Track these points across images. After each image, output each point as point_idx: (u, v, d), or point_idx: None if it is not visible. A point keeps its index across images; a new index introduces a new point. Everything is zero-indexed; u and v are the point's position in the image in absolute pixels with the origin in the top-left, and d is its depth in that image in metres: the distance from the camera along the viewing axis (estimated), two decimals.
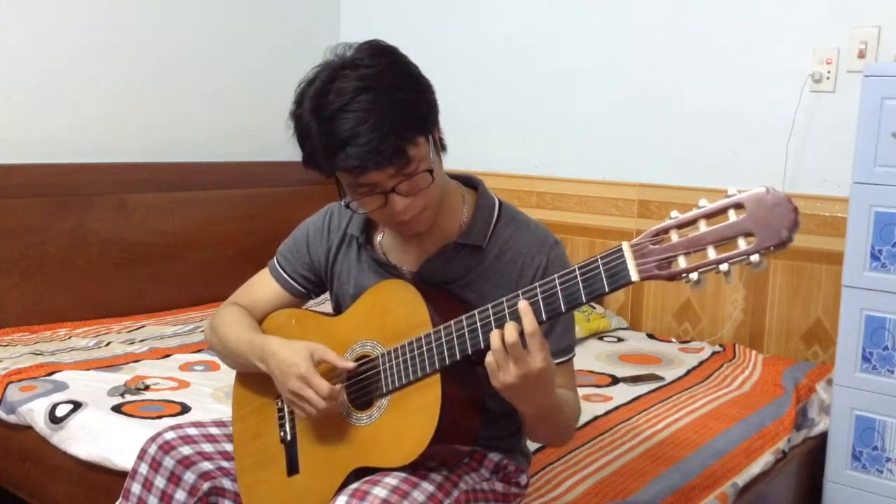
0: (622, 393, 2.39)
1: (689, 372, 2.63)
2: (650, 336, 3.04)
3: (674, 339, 3.00)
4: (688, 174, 2.99)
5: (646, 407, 2.29)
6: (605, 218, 3.20)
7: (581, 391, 2.37)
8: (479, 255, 1.44)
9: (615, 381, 2.50)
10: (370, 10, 3.76)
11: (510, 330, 1.19)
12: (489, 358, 1.22)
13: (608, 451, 1.99)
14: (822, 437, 2.38)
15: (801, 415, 2.39)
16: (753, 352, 2.81)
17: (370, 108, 1.25)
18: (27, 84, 2.87)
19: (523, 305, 1.19)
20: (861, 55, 2.62)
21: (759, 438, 2.16)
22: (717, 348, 2.88)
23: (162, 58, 3.22)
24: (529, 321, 1.18)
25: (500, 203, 1.49)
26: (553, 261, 1.42)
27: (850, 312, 2.25)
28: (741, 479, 1.98)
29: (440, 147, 1.39)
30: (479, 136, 3.36)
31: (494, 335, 1.21)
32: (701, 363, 2.72)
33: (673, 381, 2.53)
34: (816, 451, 2.37)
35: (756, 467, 2.06)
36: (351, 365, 1.39)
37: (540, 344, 1.19)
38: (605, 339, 2.97)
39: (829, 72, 2.69)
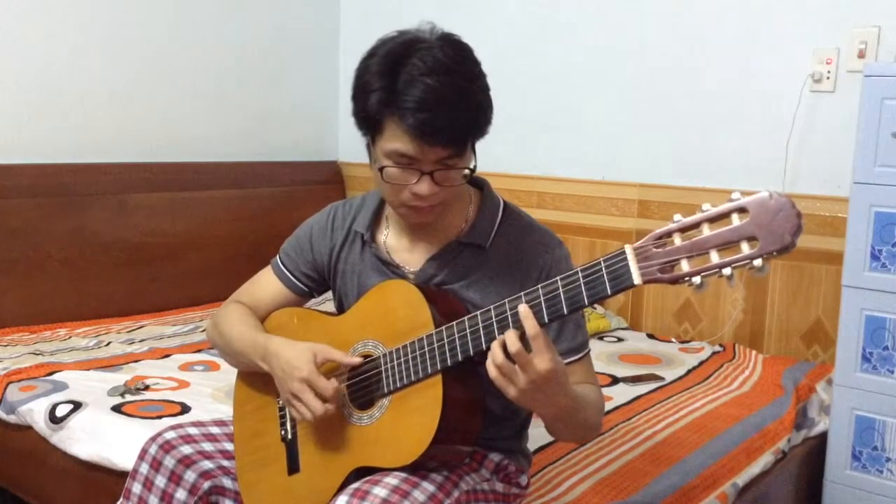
0: (622, 393, 2.39)
1: (689, 372, 2.63)
2: (650, 336, 3.04)
3: (674, 339, 3.00)
4: (688, 174, 2.99)
5: (646, 407, 2.29)
6: (605, 218, 3.20)
7: None
8: (482, 255, 1.44)
9: (615, 381, 2.50)
10: (370, 10, 3.76)
11: (511, 338, 1.18)
12: (494, 372, 1.21)
13: (608, 451, 1.99)
14: (822, 437, 2.38)
15: (801, 415, 2.39)
16: (753, 352, 2.81)
17: (453, 89, 1.28)
18: (27, 84, 2.87)
19: (524, 310, 1.18)
20: (861, 55, 2.62)
21: (759, 438, 2.16)
22: (717, 348, 2.88)
23: (162, 58, 3.22)
24: (531, 325, 1.17)
25: (505, 204, 1.50)
26: (556, 262, 1.43)
27: (850, 312, 2.25)
28: (741, 479, 1.98)
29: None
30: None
31: (496, 347, 1.20)
32: (701, 363, 2.72)
33: (673, 381, 2.53)
34: (816, 451, 2.37)
35: (756, 467, 2.06)
36: (356, 360, 1.39)
37: (544, 345, 1.18)
38: (605, 339, 2.97)
39: (829, 72, 2.69)
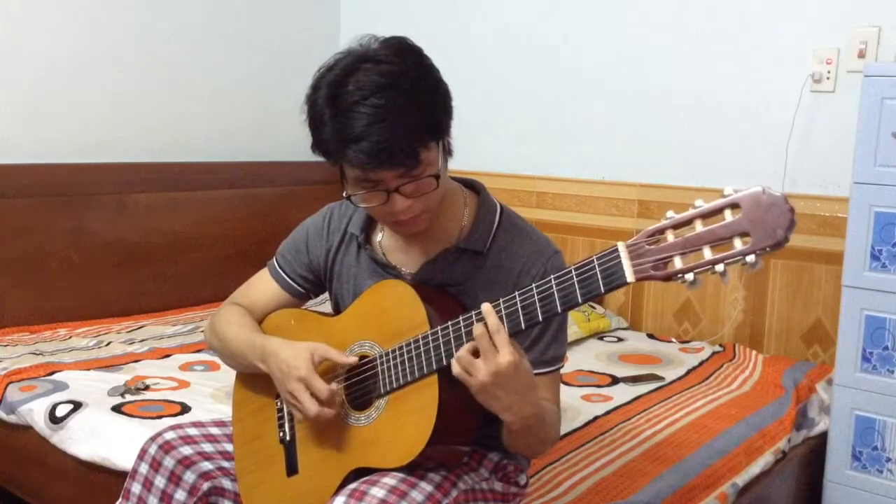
0: (622, 393, 2.39)
1: (689, 372, 2.63)
2: (650, 336, 3.04)
3: (674, 339, 3.00)
4: (687, 174, 2.99)
5: (646, 407, 2.29)
6: (604, 218, 3.20)
7: (581, 391, 2.39)
8: (479, 261, 1.44)
9: (615, 381, 2.50)
10: (370, 10, 3.76)
11: (478, 326, 1.20)
12: (456, 368, 1.22)
13: (608, 451, 1.99)
14: (822, 437, 2.38)
15: (801, 415, 2.39)
16: (753, 352, 2.81)
17: (389, 107, 1.25)
18: (27, 84, 2.87)
19: (486, 307, 1.20)
20: (861, 55, 2.62)
21: (759, 438, 2.16)
22: (717, 348, 2.88)
23: (162, 58, 3.22)
24: (493, 321, 1.19)
25: (502, 208, 1.49)
26: (550, 271, 1.41)
27: (850, 312, 2.25)
28: (741, 479, 1.98)
29: (448, 153, 1.39)
30: (479, 136, 3.36)
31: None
32: (701, 363, 2.72)
33: (673, 381, 2.53)
34: (816, 451, 2.37)
35: (756, 467, 2.06)
36: (353, 360, 1.39)
37: (505, 340, 1.19)
38: (605, 339, 2.97)
39: (829, 72, 2.69)
